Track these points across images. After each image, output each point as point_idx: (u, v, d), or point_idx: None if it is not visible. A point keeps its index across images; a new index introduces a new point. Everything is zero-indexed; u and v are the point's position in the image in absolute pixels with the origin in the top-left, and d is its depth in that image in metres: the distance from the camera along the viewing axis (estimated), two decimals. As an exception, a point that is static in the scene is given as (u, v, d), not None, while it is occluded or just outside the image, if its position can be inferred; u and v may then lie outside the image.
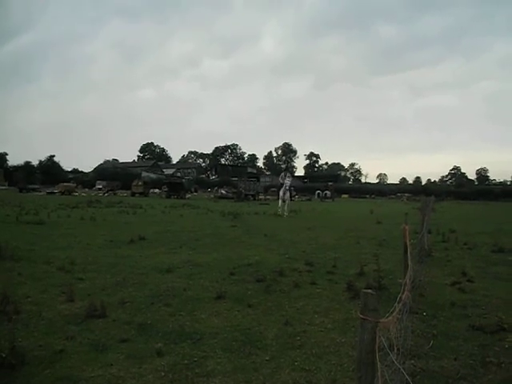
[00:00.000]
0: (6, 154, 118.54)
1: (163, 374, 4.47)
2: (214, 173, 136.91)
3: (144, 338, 5.42)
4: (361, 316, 2.46)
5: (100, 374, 4.45)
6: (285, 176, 30.53)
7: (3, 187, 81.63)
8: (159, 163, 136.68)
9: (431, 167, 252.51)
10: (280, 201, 30.02)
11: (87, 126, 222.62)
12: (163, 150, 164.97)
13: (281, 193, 30.06)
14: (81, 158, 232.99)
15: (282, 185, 30.61)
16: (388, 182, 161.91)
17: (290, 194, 32.81)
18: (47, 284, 7.88)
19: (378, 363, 2.46)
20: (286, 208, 28.35)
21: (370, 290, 2.56)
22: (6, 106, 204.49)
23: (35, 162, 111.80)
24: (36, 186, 75.56)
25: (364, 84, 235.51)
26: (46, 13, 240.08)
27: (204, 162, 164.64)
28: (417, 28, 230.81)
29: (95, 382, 4.29)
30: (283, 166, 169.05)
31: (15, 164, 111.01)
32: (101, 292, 7.40)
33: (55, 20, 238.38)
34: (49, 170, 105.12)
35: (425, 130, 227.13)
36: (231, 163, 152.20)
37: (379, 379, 2.45)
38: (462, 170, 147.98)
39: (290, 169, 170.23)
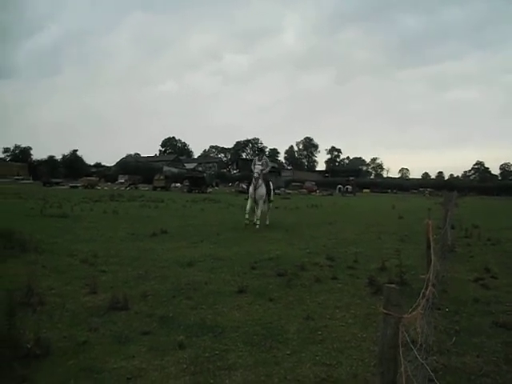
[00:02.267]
0: (30, 149, 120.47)
1: (185, 366, 4.50)
2: (235, 167, 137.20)
3: (166, 331, 5.45)
4: (383, 311, 2.45)
5: (123, 366, 4.49)
6: (259, 160, 17.76)
7: (27, 181, 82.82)
8: (180, 158, 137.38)
9: (454, 162, 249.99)
10: (249, 201, 17.44)
11: (110, 120, 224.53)
12: (184, 144, 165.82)
13: (251, 188, 17.48)
14: (103, 152, 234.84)
15: (255, 176, 17.52)
16: (410, 176, 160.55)
17: (269, 190, 18.23)
18: (71, 276, 7.97)
19: (402, 359, 2.45)
20: (258, 212, 17.10)
21: (392, 285, 2.55)
22: (30, 100, 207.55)
23: (59, 157, 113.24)
24: (59, 180, 76.46)
25: (386, 77, 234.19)
26: (67, 7, 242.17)
27: (225, 156, 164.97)
28: (440, 20, 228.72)
29: (118, 373, 4.33)
30: (304, 161, 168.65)
31: (39, 158, 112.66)
32: (123, 285, 7.47)
33: (77, 14, 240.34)
34: (72, 164, 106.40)
35: (448, 124, 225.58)
36: (252, 157, 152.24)
37: (402, 375, 2.44)
38: (486, 165, 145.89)
39: (311, 163, 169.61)
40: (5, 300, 5.95)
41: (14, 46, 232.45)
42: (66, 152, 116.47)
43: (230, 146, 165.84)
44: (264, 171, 17.72)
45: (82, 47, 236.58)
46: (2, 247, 9.49)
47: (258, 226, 16.63)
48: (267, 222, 17.91)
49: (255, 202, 17.25)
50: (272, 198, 18.85)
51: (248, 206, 17.23)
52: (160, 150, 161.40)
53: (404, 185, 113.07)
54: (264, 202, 17.69)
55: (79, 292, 7.04)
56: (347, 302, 6.88)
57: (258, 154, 19.49)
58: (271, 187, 18.44)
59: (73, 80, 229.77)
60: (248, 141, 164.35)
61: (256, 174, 17.27)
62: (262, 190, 17.31)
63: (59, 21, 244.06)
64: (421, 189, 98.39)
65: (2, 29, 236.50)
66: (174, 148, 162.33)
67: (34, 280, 6.85)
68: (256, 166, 17.53)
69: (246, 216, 16.80)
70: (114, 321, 5.75)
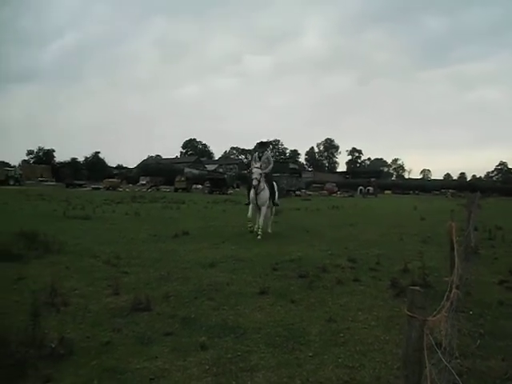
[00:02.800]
0: (54, 151, 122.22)
1: (207, 367, 4.50)
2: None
3: (188, 332, 5.47)
4: (408, 313, 2.43)
5: (145, 366, 4.52)
6: (259, 158, 15.25)
7: (51, 183, 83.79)
8: (201, 159, 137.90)
9: (476, 163, 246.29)
10: (250, 208, 14.96)
11: (131, 122, 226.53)
12: (205, 146, 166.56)
13: (251, 193, 14.86)
14: (125, 154, 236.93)
15: (254, 184, 14.77)
16: (432, 177, 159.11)
17: (274, 193, 15.47)
18: (94, 277, 8.05)
19: (427, 362, 2.43)
20: (260, 220, 14.48)
21: (417, 287, 2.53)
22: (54, 104, 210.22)
23: (81, 159, 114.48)
24: (82, 182, 77.41)
25: (408, 78, 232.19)
26: (91, 12, 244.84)
27: (246, 157, 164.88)
28: (462, 21, 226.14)
29: (141, 373, 4.36)
30: (325, 162, 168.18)
31: (62, 160, 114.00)
32: (145, 286, 7.51)
33: (100, 19, 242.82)
34: (94, 166, 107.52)
35: (470, 125, 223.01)
36: (273, 159, 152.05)
37: (428, 378, 2.42)
38: (509, 166, 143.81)
39: (332, 165, 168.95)
40: (29, 300, 6.05)
41: (39, 50, 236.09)
42: (89, 154, 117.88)
43: (251, 147, 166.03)
44: (266, 171, 15.09)
45: (105, 51, 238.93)
46: (26, 248, 9.61)
47: (259, 237, 13.82)
48: (269, 230, 15.30)
49: (257, 208, 14.76)
50: (277, 200, 15.91)
51: (249, 214, 14.67)
52: (181, 152, 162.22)
53: (426, 186, 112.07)
54: (268, 206, 14.99)
55: (102, 293, 7.10)
56: (369, 304, 6.84)
57: (257, 150, 16.02)
58: (276, 189, 15.77)
59: (95, 83, 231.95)
60: (268, 142, 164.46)
61: (255, 181, 14.51)
62: (265, 194, 14.70)
63: (83, 25, 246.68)
64: (443, 190, 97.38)
65: (28, 33, 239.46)
66: (194, 150, 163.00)
67: (57, 281, 6.94)
68: (254, 170, 14.67)
69: (249, 224, 14.70)
70: (137, 322, 5.78)
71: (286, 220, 20.56)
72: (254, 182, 14.47)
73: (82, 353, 4.80)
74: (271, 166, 15.53)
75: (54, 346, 4.69)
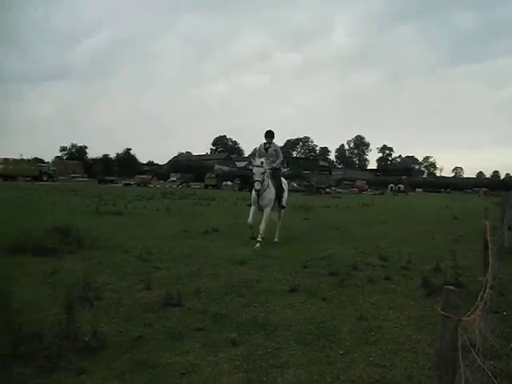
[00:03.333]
0: (86, 148, 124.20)
1: (238, 363, 4.52)
2: (285, 166, 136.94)
3: (219, 328, 5.50)
4: (442, 313, 2.40)
5: (177, 361, 4.56)
6: (265, 151, 12.78)
7: (83, 179, 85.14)
8: (231, 156, 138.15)
9: (510, 161, 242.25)
10: (252, 209, 12.29)
11: (162, 119, 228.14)
12: (235, 142, 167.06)
13: (253, 192, 12.19)
14: (156, 150, 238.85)
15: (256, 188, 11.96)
16: (464, 176, 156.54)
17: (281, 192, 12.89)
18: (125, 272, 8.14)
19: (461, 362, 2.40)
20: (263, 225, 12.02)
21: (451, 287, 2.50)
22: (85, 102, 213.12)
23: (113, 155, 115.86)
24: (113, 178, 78.46)
25: (439, 75, 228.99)
26: (120, 10, 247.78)
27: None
28: (495, 16, 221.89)
29: (172, 368, 4.40)
30: (355, 160, 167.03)
31: (94, 157, 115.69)
32: (176, 281, 7.57)
33: (129, 17, 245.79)
34: (125, 163, 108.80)
35: (503, 122, 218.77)
36: (303, 156, 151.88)
37: (462, 378, 2.39)
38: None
39: (362, 162, 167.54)
40: (63, 294, 6.15)
41: (71, 48, 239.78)
42: (120, 151, 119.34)
43: (281, 144, 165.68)
44: (274, 165, 12.57)
45: (135, 49, 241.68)
46: (59, 243, 9.77)
47: (258, 245, 11.31)
48: (276, 239, 12.73)
49: (260, 209, 12.16)
50: (285, 202, 13.17)
51: (250, 217, 11.95)
52: (211, 149, 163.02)
53: (458, 184, 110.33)
54: (273, 208, 12.48)
55: (134, 288, 7.18)
56: (401, 303, 6.77)
57: (267, 135, 12.70)
58: (285, 187, 13.22)
59: (126, 80, 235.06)
60: (298, 139, 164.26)
61: (257, 185, 11.61)
62: (270, 193, 12.10)
63: (113, 23, 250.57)
64: (475, 188, 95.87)
65: (59, 31, 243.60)
66: (225, 146, 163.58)
67: (90, 275, 7.05)
68: (255, 169, 11.78)
69: (251, 231, 12.21)
70: (168, 317, 5.84)
71: (316, 217, 20.50)
72: (257, 187, 11.59)
73: (115, 347, 4.87)
74: (280, 159, 12.84)
75: (87, 339, 4.77)
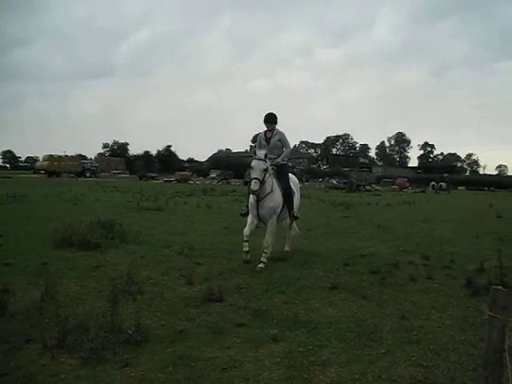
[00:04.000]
0: (128, 144, 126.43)
1: (279, 359, 4.54)
2: (325, 163, 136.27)
3: (259, 324, 5.52)
4: (490, 313, 2.37)
5: (218, 356, 4.60)
6: (266, 142, 9.37)
7: (125, 175, 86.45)
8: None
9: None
10: (249, 220, 9.00)
11: (202, 116, 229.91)
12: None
13: (251, 198, 8.77)
14: (196, 147, 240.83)
15: (253, 190, 8.33)
16: (508, 173, 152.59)
17: (290, 196, 9.30)
18: (168, 267, 8.26)
19: (508, 364, 2.36)
20: (266, 240, 8.91)
21: (499, 287, 2.46)
22: (127, 99, 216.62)
23: (154, 152, 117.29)
24: (154, 174, 79.43)
25: (484, 70, 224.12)
26: (162, 9, 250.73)
27: (315, 151, 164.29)
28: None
29: (214, 363, 4.44)
30: (396, 157, 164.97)
31: (136, 153, 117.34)
32: (217, 277, 7.64)
33: (170, 15, 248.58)
34: (166, 159, 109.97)
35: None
36: (343, 153, 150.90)
37: (509, 380, 2.35)
38: None
39: (403, 159, 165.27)
40: (107, 287, 6.30)
41: (114, 46, 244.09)
42: (161, 147, 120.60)
43: (321, 141, 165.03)
44: (279, 160, 9.17)
45: (177, 46, 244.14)
46: (103, 237, 9.96)
47: (262, 265, 8.51)
48: (287, 248, 10.31)
49: (261, 221, 9.09)
50: (297, 210, 9.81)
51: (246, 231, 8.77)
52: (250, 146, 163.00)
53: (502, 182, 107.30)
54: (280, 219, 9.45)
55: (176, 282, 7.28)
56: (444, 302, 6.67)
57: (266, 122, 9.30)
58: (295, 189, 9.72)
59: (168, 78, 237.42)
60: (338, 136, 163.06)
61: (254, 185, 8.26)
62: (274, 199, 8.76)
63: (155, 22, 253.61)
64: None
65: (103, 30, 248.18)
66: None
67: (133, 269, 7.20)
68: (254, 162, 8.46)
69: (245, 245, 8.74)
70: (210, 312, 5.89)
71: (357, 215, 20.34)
72: (254, 187, 8.22)
73: (157, 340, 4.95)
74: (288, 150, 9.42)
75: (131, 332, 4.86)
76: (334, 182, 65.86)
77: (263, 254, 8.78)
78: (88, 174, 71.72)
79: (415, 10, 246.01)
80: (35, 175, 67.79)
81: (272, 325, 5.50)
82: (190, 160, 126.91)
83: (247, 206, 9.14)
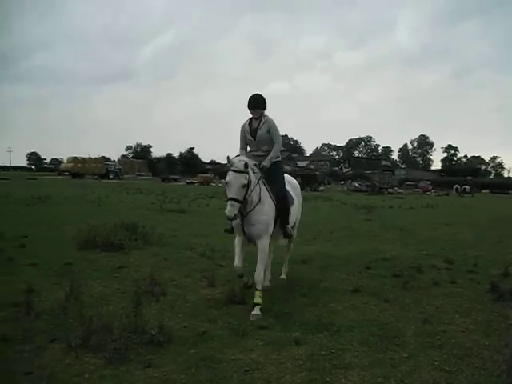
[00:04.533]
0: (150, 147, 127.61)
1: (301, 362, 4.54)
2: (347, 165, 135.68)
3: (282, 326, 5.53)
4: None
5: (240, 358, 4.62)
6: (252, 136, 6.77)
7: (147, 177, 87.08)
8: (293, 155, 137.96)
9: None
10: (237, 241, 6.62)
11: (224, 119, 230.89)
12: (297, 142, 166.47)
13: (230, 212, 5.77)
14: (218, 150, 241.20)
15: (231, 178, 5.91)
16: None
17: (285, 207, 6.70)
18: (190, 269, 8.31)
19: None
20: (259, 271, 6.33)
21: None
22: (149, 102, 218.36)
23: (176, 154, 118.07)
24: (177, 177, 79.91)
25: (506, 71, 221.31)
26: (182, 13, 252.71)
27: (337, 154, 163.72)
28: None
29: (236, 364, 4.46)
30: (419, 160, 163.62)
31: (158, 156, 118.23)
32: (240, 279, 7.65)
33: (190, 19, 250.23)
34: (188, 162, 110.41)
35: None
36: (365, 156, 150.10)
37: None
38: None
39: (426, 162, 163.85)
40: (130, 288, 6.36)
41: (136, 50, 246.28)
42: (183, 150, 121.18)
43: (343, 143, 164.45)
44: (265, 164, 6.58)
45: (198, 49, 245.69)
46: (126, 239, 10.05)
47: (257, 310, 6.00)
48: (283, 275, 8.14)
49: (251, 242, 6.63)
50: (290, 228, 7.04)
51: (237, 258, 6.60)
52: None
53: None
54: (275, 235, 6.97)
55: (198, 284, 7.33)
56: (467, 307, 6.60)
57: (251, 108, 6.75)
58: (294, 194, 7.50)
59: (189, 81, 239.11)
60: (360, 139, 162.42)
61: (229, 208, 5.83)
62: (262, 211, 6.35)
63: (175, 26, 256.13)
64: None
65: (124, 34, 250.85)
66: (286, 146, 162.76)
67: (156, 271, 7.27)
68: (230, 176, 5.98)
69: (238, 271, 6.62)
70: (232, 314, 5.93)
71: (379, 218, 20.22)
72: (230, 212, 5.80)
73: (180, 341, 4.99)
74: (278, 147, 6.83)
75: (154, 333, 4.91)
76: (357, 184, 65.53)
77: (256, 293, 6.15)
78: (111, 176, 72.33)
79: (436, 11, 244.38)
80: (60, 177, 68.62)
81: (294, 327, 5.50)
82: (212, 162, 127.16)
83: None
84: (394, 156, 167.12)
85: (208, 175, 78.95)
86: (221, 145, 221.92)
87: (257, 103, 6.78)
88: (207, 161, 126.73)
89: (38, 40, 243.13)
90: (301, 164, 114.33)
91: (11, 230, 11.60)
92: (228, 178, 5.96)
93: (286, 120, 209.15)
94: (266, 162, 6.58)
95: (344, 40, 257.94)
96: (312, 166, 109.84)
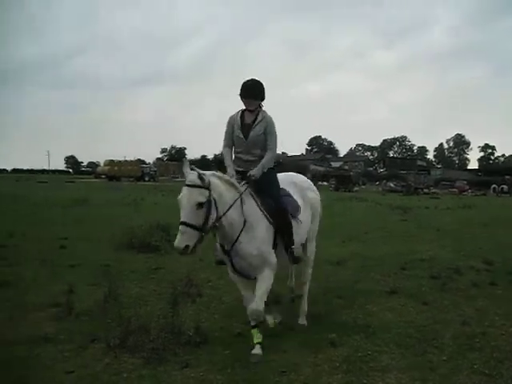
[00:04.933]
0: (185, 149, 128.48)
1: (337, 364, 4.53)
2: (382, 166, 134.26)
3: (317, 328, 5.53)
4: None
5: (276, 359, 4.65)
6: (243, 134, 5.19)
7: (182, 179, 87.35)
8: (327, 156, 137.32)
9: None
10: (239, 284, 5.32)
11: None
12: (331, 143, 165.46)
13: (217, 244, 5.10)
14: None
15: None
16: None
17: (285, 224, 5.01)
18: (225, 271, 8.18)
19: None
20: (260, 302, 4.78)
21: None
22: (184, 105, 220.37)
23: (210, 156, 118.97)
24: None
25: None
26: (217, 16, 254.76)
27: (372, 154, 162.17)
28: None
29: (272, 366, 4.49)
30: (455, 159, 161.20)
31: (193, 158, 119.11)
32: (276, 281, 7.64)
33: (224, 21, 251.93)
34: (223, 163, 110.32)
35: None
36: (399, 156, 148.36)
37: None
38: None
39: (462, 161, 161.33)
40: (166, 289, 6.44)
41: (171, 52, 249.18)
42: (218, 151, 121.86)
43: (377, 144, 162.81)
44: (255, 173, 4.97)
45: (232, 50, 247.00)
46: (163, 240, 10.15)
47: (257, 351, 4.73)
48: (302, 321, 5.83)
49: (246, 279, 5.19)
50: (300, 247, 5.45)
51: (246, 296, 5.24)
52: (306, 149, 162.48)
53: None
54: (282, 266, 5.37)
55: (233, 286, 7.28)
56: (508, 309, 6.45)
57: (244, 97, 5.17)
58: (300, 201, 5.54)
59: (223, 83, 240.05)
60: (395, 139, 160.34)
61: (179, 239, 4.41)
62: (253, 240, 4.76)
63: (210, 28, 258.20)
64: None
65: (160, 38, 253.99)
66: (320, 147, 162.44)
67: (192, 272, 7.34)
68: (181, 194, 4.51)
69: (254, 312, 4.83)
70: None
71: (415, 218, 19.96)
72: (178, 243, 4.41)
73: (216, 342, 5.06)
74: (271, 155, 5.20)
75: (190, 334, 4.97)
76: (392, 184, 64.71)
77: (253, 332, 4.91)
78: (147, 179, 73.06)
79: (473, 8, 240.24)
80: (96, 180, 69.67)
81: (330, 329, 5.48)
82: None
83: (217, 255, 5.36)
84: (430, 156, 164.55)
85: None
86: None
87: (252, 91, 5.18)
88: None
89: (73, 46, 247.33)
90: (335, 165, 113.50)
91: (52, 231, 11.86)
92: (179, 196, 4.47)
93: (318, 121, 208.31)
94: (255, 172, 4.96)
95: (378, 39, 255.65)
96: (346, 167, 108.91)
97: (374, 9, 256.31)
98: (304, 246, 5.83)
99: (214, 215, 4.44)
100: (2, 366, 4.41)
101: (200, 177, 4.39)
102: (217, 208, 4.47)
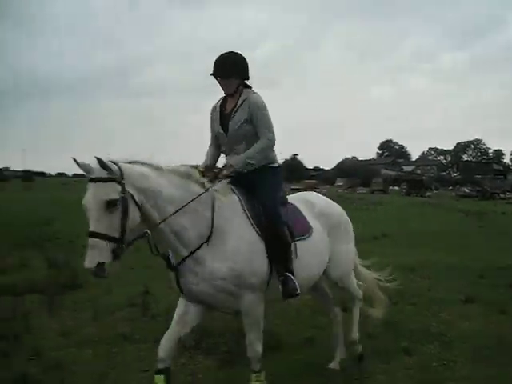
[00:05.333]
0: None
1: (412, 372, 4.46)
2: (455, 170, 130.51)
3: (390, 336, 5.45)
4: None
5: (349, 366, 4.62)
6: (222, 128, 3.89)
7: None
8: (398, 160, 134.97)
9: None
10: (177, 312, 3.84)
11: (327, 124, 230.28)
12: (402, 147, 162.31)
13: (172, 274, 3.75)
14: (322, 156, 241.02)
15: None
16: None
17: (273, 232, 3.58)
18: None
19: None
20: (257, 342, 3.85)
21: None
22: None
23: (280, 161, 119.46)
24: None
25: None
26: (277, 24, 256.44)
27: (445, 158, 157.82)
28: None
29: (344, 373, 4.49)
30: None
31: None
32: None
33: (291, 26, 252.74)
34: (293, 168, 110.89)
35: None
36: (474, 160, 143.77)
37: None
38: None
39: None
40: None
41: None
42: (288, 157, 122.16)
43: (450, 147, 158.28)
44: (236, 167, 3.70)
45: (297, 57, 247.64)
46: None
47: None
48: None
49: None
50: (352, 291, 5.03)
51: (164, 344, 3.80)
52: (377, 153, 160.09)
53: None
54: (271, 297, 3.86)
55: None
56: None
57: (218, 75, 3.83)
58: (320, 227, 4.29)
59: (292, 88, 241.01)
60: (469, 142, 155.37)
61: (90, 257, 2.91)
62: (227, 252, 3.45)
63: (274, 35, 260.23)
64: None
65: (222, 46, 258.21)
66: (391, 151, 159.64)
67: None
68: (87, 193, 3.04)
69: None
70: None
71: (492, 224, 19.30)
72: (89, 262, 2.91)
73: (287, 346, 5.07)
74: (265, 141, 3.82)
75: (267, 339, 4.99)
76: (466, 189, 62.76)
77: (253, 377, 3.88)
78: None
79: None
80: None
81: (403, 337, 5.40)
82: (316, 168, 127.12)
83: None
84: (506, 159, 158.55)
85: (312, 181, 78.91)
86: (324, 151, 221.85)
87: (227, 67, 3.84)
88: (311, 167, 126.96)
89: (144, 56, 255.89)
90: (407, 169, 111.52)
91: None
92: (84, 200, 3.05)
93: (390, 124, 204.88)
94: (235, 161, 3.78)
95: (448, 40, 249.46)
96: (418, 171, 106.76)
97: (445, 9, 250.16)
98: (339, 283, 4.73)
99: (135, 218, 3.16)
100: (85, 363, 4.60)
101: (103, 165, 3.01)
102: (139, 208, 3.18)
